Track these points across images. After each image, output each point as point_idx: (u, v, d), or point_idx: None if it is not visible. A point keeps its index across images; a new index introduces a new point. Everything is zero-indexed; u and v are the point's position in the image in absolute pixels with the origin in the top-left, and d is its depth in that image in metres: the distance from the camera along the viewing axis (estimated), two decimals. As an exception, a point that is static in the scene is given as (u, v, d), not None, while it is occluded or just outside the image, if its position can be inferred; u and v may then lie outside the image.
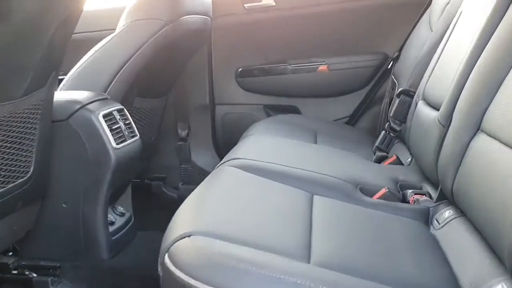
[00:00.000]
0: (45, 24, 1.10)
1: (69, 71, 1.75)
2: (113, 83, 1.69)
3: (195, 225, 0.89)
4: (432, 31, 1.76)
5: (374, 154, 1.66)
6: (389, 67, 2.15)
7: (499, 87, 1.00)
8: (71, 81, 1.69)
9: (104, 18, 2.20)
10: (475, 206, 1.00)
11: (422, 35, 1.87)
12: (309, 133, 1.89)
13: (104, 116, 1.51)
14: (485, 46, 1.11)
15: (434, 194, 1.28)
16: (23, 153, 1.28)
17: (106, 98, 1.64)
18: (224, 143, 2.35)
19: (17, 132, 1.23)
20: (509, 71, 0.98)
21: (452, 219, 1.10)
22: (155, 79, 1.96)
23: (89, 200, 1.51)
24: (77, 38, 2.29)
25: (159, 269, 0.85)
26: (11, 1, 0.98)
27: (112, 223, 1.60)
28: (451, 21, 1.56)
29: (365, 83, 2.25)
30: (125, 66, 1.70)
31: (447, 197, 1.18)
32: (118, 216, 1.65)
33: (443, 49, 1.46)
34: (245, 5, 2.24)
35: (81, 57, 1.76)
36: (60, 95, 1.52)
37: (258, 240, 0.86)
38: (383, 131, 1.67)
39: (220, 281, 0.76)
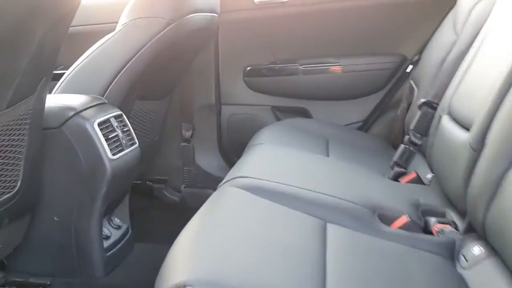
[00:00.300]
0: (31, 29, 0.98)
1: (71, 65, 1.63)
2: (111, 86, 1.56)
3: (191, 272, 0.77)
4: (457, 36, 1.63)
5: (392, 169, 1.53)
6: (407, 70, 2.01)
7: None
8: (66, 84, 1.57)
9: (109, 11, 2.08)
10: (511, 247, 0.88)
11: (445, 38, 1.73)
12: (320, 141, 1.77)
13: (100, 124, 1.39)
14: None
15: (460, 223, 1.16)
16: (9, 167, 1.17)
17: (104, 103, 1.52)
18: (229, 145, 2.24)
19: (1, 146, 1.11)
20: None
21: (484, 258, 0.98)
22: (157, 81, 1.83)
23: (82, 214, 1.40)
24: (81, 31, 2.21)
25: None
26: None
27: (107, 237, 1.49)
28: (481, 26, 1.42)
29: (381, 86, 2.12)
30: (125, 67, 1.57)
31: (476, 230, 1.06)
32: (114, 229, 1.54)
33: (472, 60, 1.33)
34: (255, 0, 2.11)
35: (84, 52, 1.64)
36: (53, 99, 1.41)
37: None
38: (403, 145, 1.54)
39: None
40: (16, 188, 1.22)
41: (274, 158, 1.47)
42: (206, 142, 2.23)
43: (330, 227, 1.07)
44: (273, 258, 0.89)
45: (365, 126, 2.14)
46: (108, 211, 1.52)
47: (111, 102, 1.55)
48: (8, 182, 1.18)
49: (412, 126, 1.53)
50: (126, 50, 1.58)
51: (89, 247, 1.42)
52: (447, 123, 1.32)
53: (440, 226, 1.15)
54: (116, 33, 1.63)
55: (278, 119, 2.19)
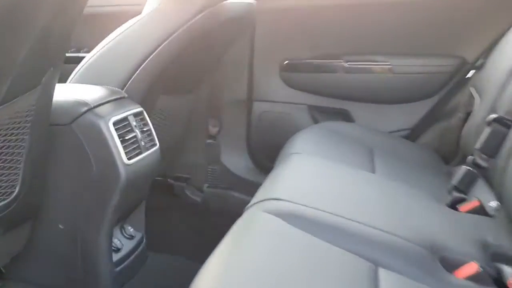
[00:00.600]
0: (29, 13, 0.80)
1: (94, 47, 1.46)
2: (133, 77, 1.38)
3: None
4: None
5: (449, 194, 1.32)
6: (467, 76, 1.77)
7: None
8: (83, 72, 1.39)
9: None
10: None
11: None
12: (365, 151, 1.56)
13: (116, 123, 1.21)
14: None
15: (541, 276, 0.95)
16: (5, 171, 1.00)
17: (123, 97, 1.34)
18: (259, 144, 2.05)
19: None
20: None
21: None
22: (185, 73, 1.64)
23: (90, 223, 1.23)
24: (104, 12, 2.03)
25: None
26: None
27: (118, 249, 1.32)
28: None
29: (434, 91, 1.88)
30: (150, 57, 1.38)
31: None
32: (126, 240, 1.37)
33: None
34: (297, -14, 1.89)
35: (107, 34, 1.47)
36: (64, 91, 1.23)
37: None
38: (464, 167, 1.32)
39: None
40: (14, 195, 1.05)
41: (312, 174, 1.27)
42: (234, 140, 2.05)
43: (383, 273, 0.88)
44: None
45: (412, 134, 1.91)
46: (121, 219, 1.35)
47: (132, 96, 1.37)
48: (3, 188, 1.02)
49: (478, 146, 1.30)
50: (152, 38, 1.39)
51: (97, 260, 1.26)
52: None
53: (517, 279, 0.93)
54: (142, 18, 1.44)
55: (314, 120, 1.98)
